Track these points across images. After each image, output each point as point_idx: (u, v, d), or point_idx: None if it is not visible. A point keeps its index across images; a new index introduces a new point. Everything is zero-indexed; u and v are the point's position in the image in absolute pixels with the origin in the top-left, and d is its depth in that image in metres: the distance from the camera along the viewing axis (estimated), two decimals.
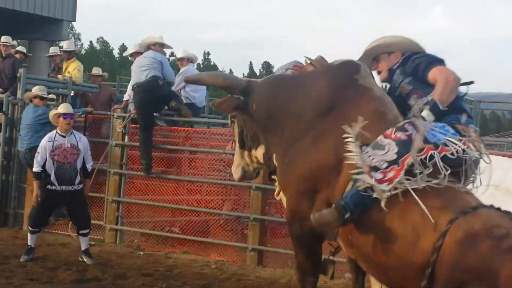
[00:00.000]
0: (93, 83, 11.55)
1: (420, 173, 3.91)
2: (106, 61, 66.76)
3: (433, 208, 3.78)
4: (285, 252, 8.38)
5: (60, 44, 16.82)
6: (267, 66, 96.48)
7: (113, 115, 9.45)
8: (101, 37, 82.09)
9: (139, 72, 9.25)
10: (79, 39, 43.65)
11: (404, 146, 4.00)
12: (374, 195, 3.93)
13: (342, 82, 4.55)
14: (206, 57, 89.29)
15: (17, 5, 19.16)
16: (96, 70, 11.98)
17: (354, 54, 4.86)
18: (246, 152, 5.09)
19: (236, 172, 5.28)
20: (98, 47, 74.21)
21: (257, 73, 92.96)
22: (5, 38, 11.49)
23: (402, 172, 3.91)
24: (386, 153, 4.01)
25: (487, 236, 3.57)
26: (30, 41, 21.03)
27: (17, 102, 10.09)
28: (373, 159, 4.01)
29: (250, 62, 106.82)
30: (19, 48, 11.96)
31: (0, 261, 7.75)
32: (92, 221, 9.40)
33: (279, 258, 8.43)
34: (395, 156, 3.99)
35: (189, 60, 10.55)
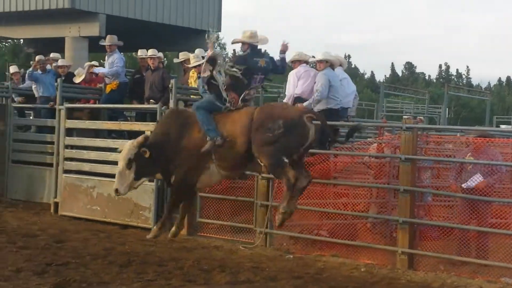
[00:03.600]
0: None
1: None
2: None
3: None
4: (436, 255, 8.22)
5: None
6: (409, 66, 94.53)
7: None
8: None
9: None
10: (225, 49, 44.66)
11: None
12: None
13: None
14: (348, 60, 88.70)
15: (166, 18, 20.21)
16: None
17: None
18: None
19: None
20: None
21: (399, 74, 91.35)
22: (152, 51, 12.07)
23: None
24: None
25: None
26: (177, 53, 21.94)
27: None
28: None
29: (392, 63, 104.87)
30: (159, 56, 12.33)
31: (159, 263, 8.13)
32: (243, 225, 9.67)
33: (430, 262, 8.28)
34: None
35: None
